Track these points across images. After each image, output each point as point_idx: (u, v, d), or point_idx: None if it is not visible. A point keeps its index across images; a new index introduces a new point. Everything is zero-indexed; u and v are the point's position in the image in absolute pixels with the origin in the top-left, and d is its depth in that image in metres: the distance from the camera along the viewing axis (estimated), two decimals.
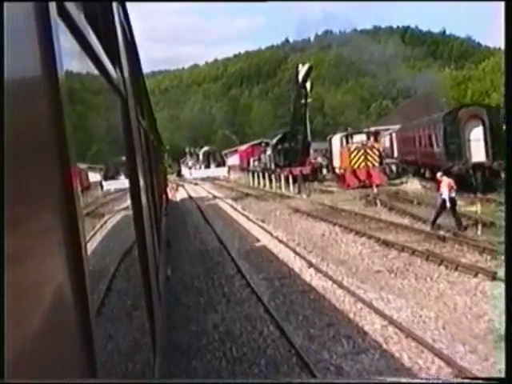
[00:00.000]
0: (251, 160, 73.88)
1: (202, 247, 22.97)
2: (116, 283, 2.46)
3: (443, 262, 16.79)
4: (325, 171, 61.50)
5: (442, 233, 21.65)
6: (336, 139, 46.85)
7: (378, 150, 42.61)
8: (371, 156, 42.02)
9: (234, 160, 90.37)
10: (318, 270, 16.97)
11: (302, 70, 49.88)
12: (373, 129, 54.03)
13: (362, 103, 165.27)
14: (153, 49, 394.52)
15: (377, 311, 12.36)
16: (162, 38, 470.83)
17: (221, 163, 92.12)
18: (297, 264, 18.02)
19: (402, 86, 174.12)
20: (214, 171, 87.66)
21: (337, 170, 46.46)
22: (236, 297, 14.78)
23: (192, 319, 13.26)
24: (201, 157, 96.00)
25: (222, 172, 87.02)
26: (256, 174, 61.53)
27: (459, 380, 5.29)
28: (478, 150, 32.19)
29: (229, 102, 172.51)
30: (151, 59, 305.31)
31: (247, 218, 31.08)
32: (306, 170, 53.80)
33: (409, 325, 11.48)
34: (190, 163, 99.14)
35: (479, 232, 21.06)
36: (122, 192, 3.32)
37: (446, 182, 23.23)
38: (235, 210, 35.72)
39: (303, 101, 51.38)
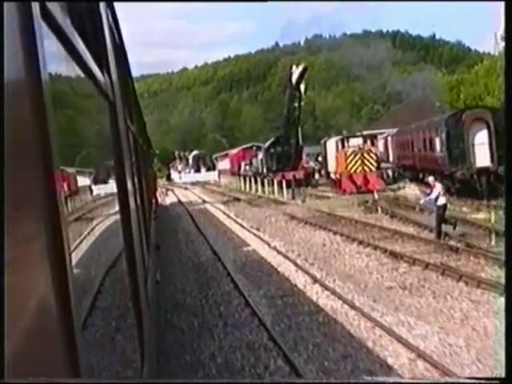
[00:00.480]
0: (242, 164, 72.24)
1: (194, 258, 21.25)
2: (104, 288, 2.42)
3: (462, 278, 15.16)
4: (317, 176, 60.04)
5: (452, 243, 20.08)
6: (331, 143, 45.24)
7: (376, 154, 41.02)
8: (368, 160, 40.43)
9: (224, 164, 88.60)
10: (323, 286, 15.26)
11: (296, 71, 48.30)
12: (366, 132, 52.48)
13: (352, 107, 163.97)
14: (142, 52, 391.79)
15: (400, 340, 10.66)
16: (151, 41, 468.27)
17: (211, 167, 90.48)
18: (299, 279, 16.31)
19: (392, 90, 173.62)
20: (204, 175, 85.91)
21: (332, 175, 44.82)
22: (234, 319, 13.06)
23: (185, 346, 11.55)
24: (190, 161, 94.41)
25: (212, 176, 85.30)
26: (248, 179, 59.87)
27: (459, 380, 4.64)
28: (482, 154, 30.63)
29: (218, 106, 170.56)
30: (141, 63, 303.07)
31: (241, 225, 29.39)
32: (300, 174, 52.21)
33: (440, 357, 9.81)
34: (179, 167, 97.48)
35: (493, 242, 19.44)
36: (110, 196, 3.31)
37: (438, 188, 22.08)
38: (228, 216, 34.01)
39: (296, 104, 49.85)
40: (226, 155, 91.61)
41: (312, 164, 68.11)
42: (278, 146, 54.89)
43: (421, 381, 3.35)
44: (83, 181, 2.47)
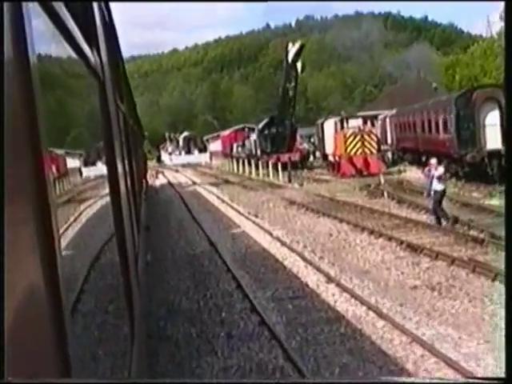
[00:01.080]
0: (235, 146, 69.96)
1: (188, 249, 19.13)
2: (94, 269, 2.42)
3: (498, 277, 13.11)
4: (311, 158, 58.01)
5: (474, 233, 18.08)
6: (329, 124, 43.04)
7: (376, 135, 38.86)
8: (369, 142, 38.31)
9: (216, 146, 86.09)
10: (339, 286, 13.16)
11: (292, 49, 46.01)
12: (364, 113, 50.08)
13: (344, 89, 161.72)
14: (133, 34, 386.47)
15: (450, 363, 8.57)
16: (141, 23, 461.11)
17: (202, 149, 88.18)
18: (310, 277, 14.21)
19: (384, 71, 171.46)
20: (195, 157, 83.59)
21: (330, 158, 42.63)
22: (240, 329, 10.96)
23: (183, 365, 9.48)
24: (181, 142, 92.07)
25: (203, 158, 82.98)
26: (241, 161, 57.68)
27: (459, 380, 4.83)
28: (494, 136, 28.52)
29: (209, 87, 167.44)
30: (131, 44, 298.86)
31: (237, 211, 27.27)
32: (295, 156, 50.13)
33: None
34: (169, 149, 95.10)
35: None
36: (100, 178, 3.26)
37: (440, 170, 20.39)
38: (222, 201, 31.86)
39: (293, 83, 47.60)
40: (218, 137, 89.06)
41: (306, 146, 66.01)
42: (272, 127, 52.70)
43: (421, 381, 3.00)
44: (73, 162, 2.43)
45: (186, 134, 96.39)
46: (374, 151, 38.25)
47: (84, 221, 2.37)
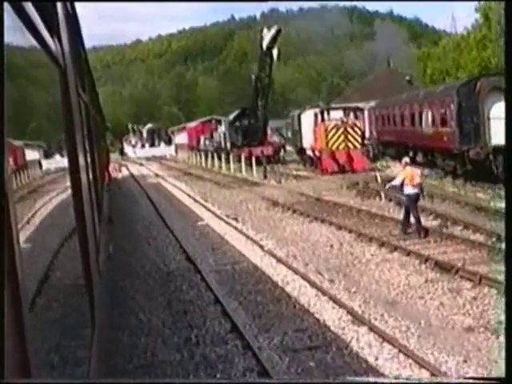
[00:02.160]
0: (202, 138, 66.16)
1: (161, 265, 15.43)
2: (55, 261, 2.43)
3: None
4: (282, 152, 54.50)
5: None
6: (308, 116, 39.47)
7: (360, 128, 35.40)
8: (352, 136, 34.89)
9: (181, 138, 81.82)
10: (373, 330, 9.63)
11: (268, 34, 42.37)
12: (351, 105, 46.18)
13: (310, 81, 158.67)
14: (96, 24, 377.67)
15: None
16: (105, 13, 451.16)
17: (167, 141, 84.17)
18: (327, 312, 10.62)
19: (350, 65, 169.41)
20: (159, 150, 79.46)
21: (308, 152, 39.07)
22: None
23: None
24: (145, 134, 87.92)
25: (168, 151, 78.95)
26: (210, 155, 53.99)
27: (459, 380, 3.84)
28: (499, 130, 25.25)
29: (174, 78, 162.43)
30: (94, 35, 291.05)
31: (214, 213, 23.61)
32: (268, 150, 46.67)
33: None
34: (133, 141, 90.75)
35: None
36: (61, 169, 3.22)
37: (409, 173, 17.29)
38: (195, 200, 28.13)
39: (267, 72, 43.98)
40: (184, 129, 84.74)
41: (276, 139, 62.56)
42: (243, 118, 49.07)
43: (420, 381, 2.83)
44: (32, 154, 2.44)
45: (149, 125, 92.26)
46: (358, 145, 34.88)
47: (45, 213, 2.38)
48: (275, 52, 42.43)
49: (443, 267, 13.19)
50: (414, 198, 16.87)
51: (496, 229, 16.29)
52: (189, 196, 30.17)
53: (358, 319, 10.05)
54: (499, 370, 8.03)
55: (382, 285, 12.54)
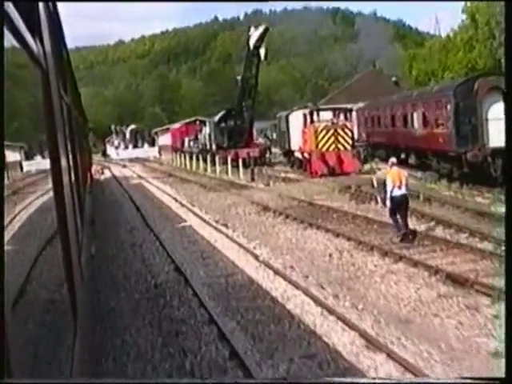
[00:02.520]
0: (186, 140, 64.84)
1: (148, 276, 14.25)
2: (37, 263, 2.42)
3: None
4: (267, 154, 53.34)
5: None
6: (296, 116, 38.37)
7: (351, 130, 34.34)
8: (343, 137, 33.82)
9: (165, 140, 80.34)
10: (391, 357, 8.52)
11: (255, 33, 41.31)
12: (340, 106, 45.00)
13: (294, 82, 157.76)
14: (78, 25, 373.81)
15: None
16: (87, 14, 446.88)
17: (150, 143, 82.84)
18: (336, 334, 9.49)
19: (334, 66, 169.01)
20: (143, 151, 78.14)
21: (297, 154, 37.94)
22: None
23: None
24: (128, 135, 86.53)
25: (152, 152, 77.63)
26: (194, 157, 52.78)
27: (459, 380, 4.07)
28: (498, 131, 24.31)
29: (157, 79, 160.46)
30: (76, 35, 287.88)
31: (201, 218, 22.45)
32: (255, 152, 45.53)
33: None
34: (115, 142, 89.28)
35: None
36: (42, 170, 3.23)
37: (396, 173, 16.26)
38: (182, 205, 26.91)
39: (253, 71, 42.85)
40: (167, 130, 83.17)
41: (261, 140, 61.52)
42: (229, 119, 47.93)
43: (420, 381, 3.22)
44: (13, 156, 2.43)
45: (132, 126, 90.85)
46: (349, 147, 33.83)
47: (27, 214, 2.40)
48: (262, 51, 41.34)
49: (455, 280, 12.13)
50: (401, 200, 15.92)
51: (503, 236, 15.29)
52: (175, 200, 28.95)
53: (373, 344, 8.92)
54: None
55: (390, 300, 11.43)
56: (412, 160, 33.09)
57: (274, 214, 22.16)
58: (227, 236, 18.52)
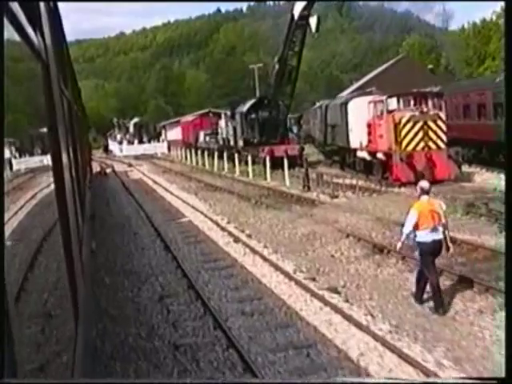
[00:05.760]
0: (201, 134, 55.10)
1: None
2: (39, 257, 2.41)
3: None
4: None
5: None
6: (357, 105, 28.69)
7: (445, 122, 24.61)
8: (435, 132, 24.19)
9: (175, 134, 70.14)
10: None
11: (301, 3, 31.52)
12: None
13: (301, 74, 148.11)
14: (79, 17, 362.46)
15: None
16: (88, 6, 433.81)
17: (156, 137, 73.26)
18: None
19: (341, 58, 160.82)
20: (149, 147, 68.37)
21: (360, 154, 28.14)
22: None
23: None
24: (131, 129, 77.09)
25: (159, 148, 67.86)
26: (211, 153, 43.43)
27: (459, 380, 4.20)
28: None
29: (160, 71, 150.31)
30: (77, 28, 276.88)
31: (276, 267, 12.91)
32: (294, 150, 35.81)
33: None
34: (118, 137, 79.63)
35: None
36: (44, 165, 3.17)
37: (427, 206, 10.18)
38: (230, 234, 17.14)
39: (297, 47, 33.18)
40: (177, 123, 73.04)
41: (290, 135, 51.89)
42: (261, 109, 38.21)
43: (420, 381, 3.02)
44: (13, 150, 2.36)
45: (136, 119, 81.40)
46: (443, 145, 24.21)
47: (30, 207, 2.40)
48: (313, 20, 31.64)
49: None
50: (433, 249, 10.07)
51: None
52: (211, 221, 19.38)
53: None
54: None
55: None
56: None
57: (402, 262, 12.66)
58: (342, 314, 8.99)
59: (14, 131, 2.22)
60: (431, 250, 10.00)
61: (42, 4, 3.14)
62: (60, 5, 5.78)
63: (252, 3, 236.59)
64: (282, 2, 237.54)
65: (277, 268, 12.86)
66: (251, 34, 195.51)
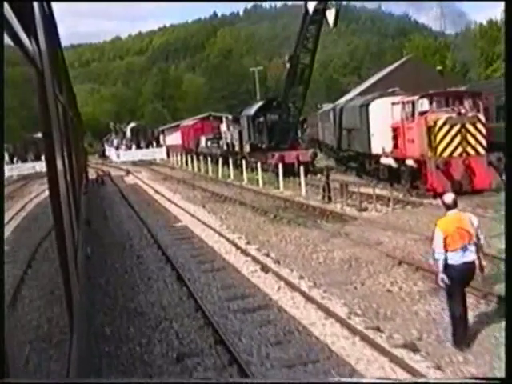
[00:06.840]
0: (202, 139, 52.25)
1: None
2: (33, 263, 2.36)
3: None
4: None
5: None
6: (381, 106, 25.86)
7: (485, 125, 21.79)
8: (474, 136, 21.37)
9: (174, 139, 67.14)
10: None
11: None
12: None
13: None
14: (74, 22, 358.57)
15: None
16: (83, 11, 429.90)
17: (153, 142, 70.40)
18: None
19: (339, 61, 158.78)
20: (148, 153, 65.47)
21: (384, 160, 25.29)
22: None
23: None
24: (128, 134, 74.24)
25: (158, 154, 64.97)
26: (213, 159, 40.66)
27: (459, 380, 4.33)
28: None
29: (156, 75, 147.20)
30: (71, 33, 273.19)
31: (306, 297, 10.17)
32: (306, 156, 33.13)
33: None
34: (115, 142, 76.79)
35: None
36: (38, 171, 3.14)
37: (453, 223, 8.41)
38: (253, 259, 14.28)
39: (311, 45, 30.42)
40: (177, 127, 70.02)
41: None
42: (270, 112, 35.41)
43: (420, 380, 3.06)
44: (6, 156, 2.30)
45: (133, 124, 78.54)
46: (482, 151, 21.41)
47: (24, 214, 2.34)
48: (331, 14, 28.91)
49: None
50: (463, 274, 8.37)
51: None
52: (225, 238, 16.56)
53: None
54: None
55: None
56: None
57: (484, 301, 9.84)
58: None
59: (7, 137, 2.01)
60: (461, 275, 8.39)
61: (36, 8, 3.07)
62: (55, 9, 5.71)
63: (249, 6, 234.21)
64: (278, 5, 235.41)
65: (326, 311, 9.99)
66: (248, 37, 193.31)
